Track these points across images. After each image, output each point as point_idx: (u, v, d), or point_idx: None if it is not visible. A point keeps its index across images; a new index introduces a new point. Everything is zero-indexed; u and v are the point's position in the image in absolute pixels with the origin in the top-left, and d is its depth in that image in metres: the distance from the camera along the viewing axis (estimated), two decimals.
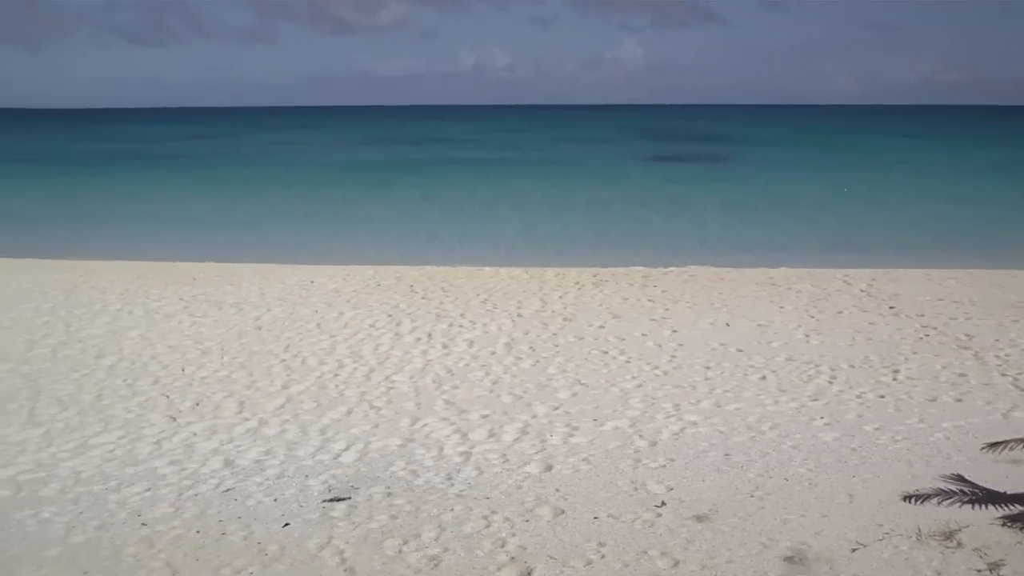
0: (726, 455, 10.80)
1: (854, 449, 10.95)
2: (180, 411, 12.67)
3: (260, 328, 17.26)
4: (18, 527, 9.19)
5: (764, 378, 13.99)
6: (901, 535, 8.50)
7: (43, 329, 17.49)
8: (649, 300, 19.56)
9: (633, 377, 14.07)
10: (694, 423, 11.96)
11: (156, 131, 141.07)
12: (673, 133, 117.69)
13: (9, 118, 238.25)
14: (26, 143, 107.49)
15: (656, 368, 14.52)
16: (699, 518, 9.03)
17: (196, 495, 9.85)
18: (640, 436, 11.48)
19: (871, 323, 17.40)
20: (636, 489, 9.80)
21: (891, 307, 18.68)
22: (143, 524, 9.15)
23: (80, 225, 36.90)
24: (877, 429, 11.67)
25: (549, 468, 10.46)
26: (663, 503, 9.41)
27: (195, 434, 11.78)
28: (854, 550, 8.25)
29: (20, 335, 17.03)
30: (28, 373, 14.68)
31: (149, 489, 10.06)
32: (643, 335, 16.61)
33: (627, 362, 14.90)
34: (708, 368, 14.51)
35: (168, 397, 13.31)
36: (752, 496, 9.56)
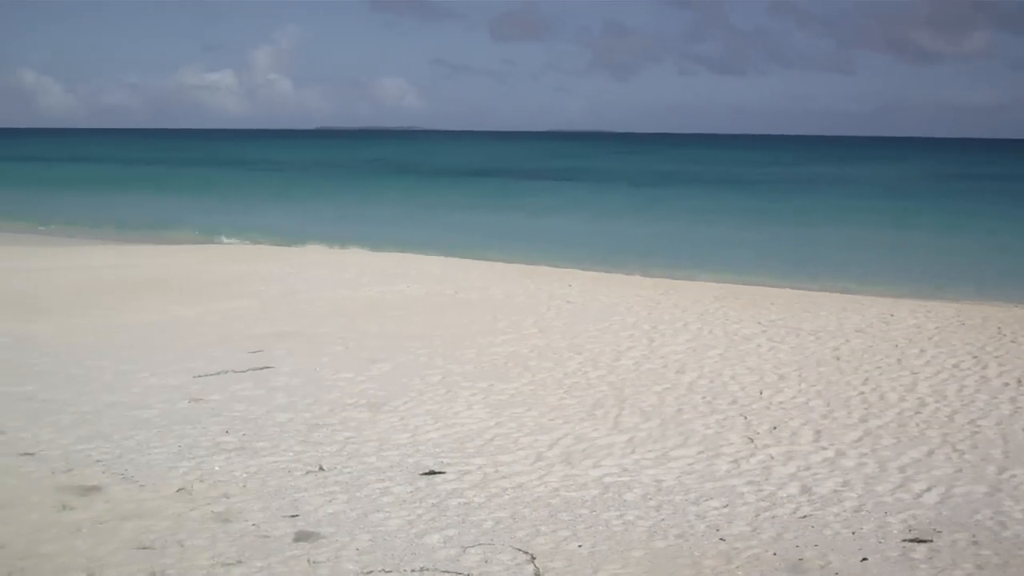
0: None
1: None
2: (758, 433, 12.83)
3: (838, 358, 17.08)
4: (604, 526, 9.70)
5: None
6: None
7: (628, 341, 18.40)
8: None
9: None
10: None
11: (734, 156, 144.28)
12: None
13: (600, 140, 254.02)
14: (595, 160, 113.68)
15: None
16: None
17: (773, 517, 9.92)
18: None
19: None
20: None
21: None
22: (721, 539, 9.34)
23: (654, 242, 38.56)
24: None
25: None
26: None
27: (772, 457, 11.87)
28: None
29: (608, 345, 18.03)
30: (614, 382, 15.49)
31: (727, 505, 10.26)
32: None
33: None
34: None
35: (746, 418, 13.52)
36: None
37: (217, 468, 11.31)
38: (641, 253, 34.70)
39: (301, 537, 9.31)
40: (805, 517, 9.91)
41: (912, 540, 9.32)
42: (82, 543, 9.09)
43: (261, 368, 16.14)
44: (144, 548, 8.97)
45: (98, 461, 11.49)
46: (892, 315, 21.22)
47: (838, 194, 69.94)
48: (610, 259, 32.17)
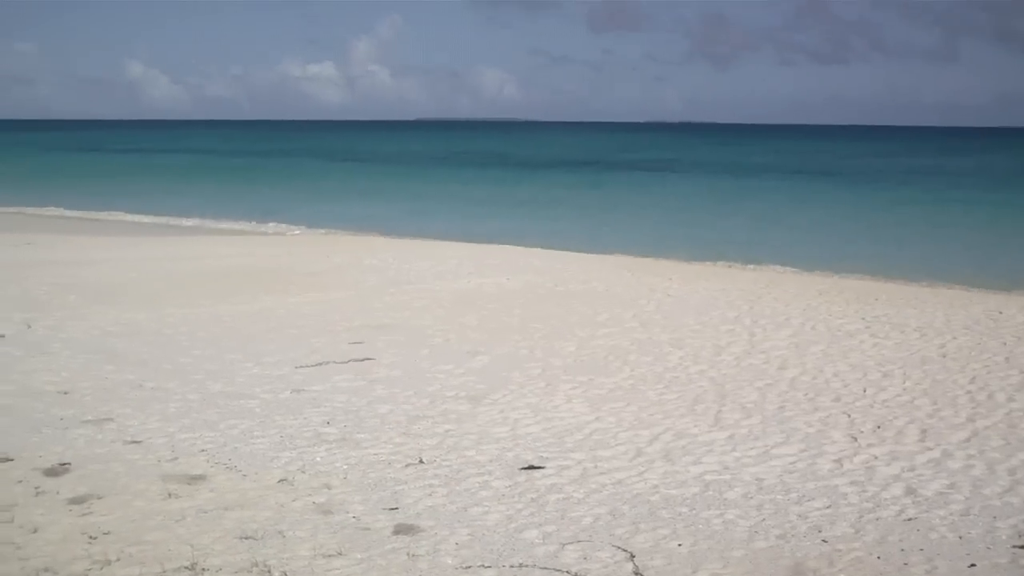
0: None
1: None
2: (861, 432, 12.59)
3: (944, 356, 16.71)
4: (704, 524, 9.60)
5: None
6: None
7: (728, 336, 18.21)
8: None
9: None
10: None
11: (835, 147, 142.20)
12: None
13: (698, 131, 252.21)
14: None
15: None
16: None
17: (877, 519, 9.72)
18: None
19: None
20: None
21: None
22: (823, 540, 9.18)
23: (753, 235, 38.14)
24: None
25: None
26: None
27: (876, 457, 11.64)
28: None
29: (708, 340, 17.86)
30: (715, 377, 15.34)
31: (830, 506, 10.08)
32: None
33: None
34: None
35: (849, 416, 13.28)
36: None
37: (318, 459, 11.42)
38: (739, 245, 34.32)
39: (401, 530, 9.36)
40: (910, 520, 9.70)
41: (1022, 547, 9.07)
42: (186, 531, 9.24)
43: (362, 359, 16.28)
44: (247, 538, 9.09)
45: (202, 450, 11.67)
46: (1000, 312, 20.72)
47: (943, 185, 68.55)
48: (709, 251, 31.85)
